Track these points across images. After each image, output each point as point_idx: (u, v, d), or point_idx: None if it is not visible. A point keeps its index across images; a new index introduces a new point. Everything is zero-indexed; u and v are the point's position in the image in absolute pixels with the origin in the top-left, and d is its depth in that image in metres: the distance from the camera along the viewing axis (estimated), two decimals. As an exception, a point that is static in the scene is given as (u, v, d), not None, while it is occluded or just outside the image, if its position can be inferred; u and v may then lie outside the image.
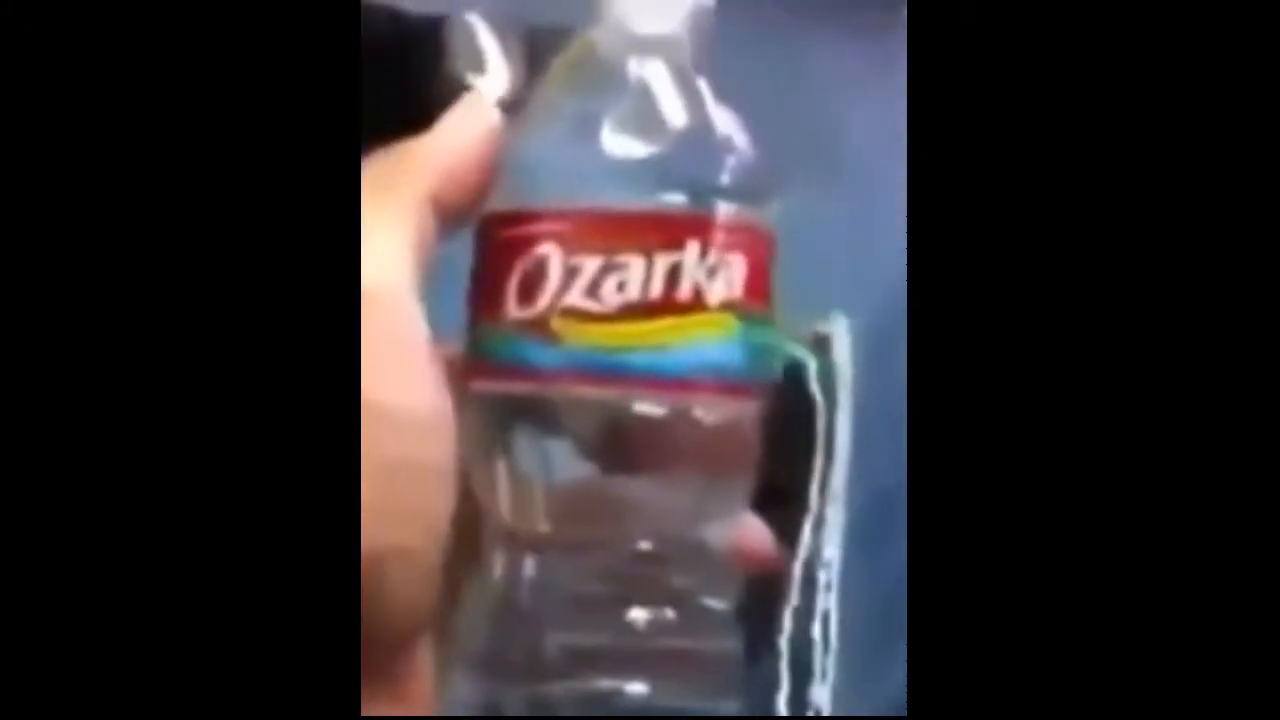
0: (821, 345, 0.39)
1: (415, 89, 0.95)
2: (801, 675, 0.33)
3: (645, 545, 0.29)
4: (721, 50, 1.00)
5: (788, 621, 0.34)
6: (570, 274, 0.29)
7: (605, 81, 0.32)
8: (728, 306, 0.30)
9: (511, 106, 0.33)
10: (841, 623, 0.33)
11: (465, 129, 0.32)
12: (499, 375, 0.29)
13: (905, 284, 0.36)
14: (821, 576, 0.34)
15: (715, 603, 0.29)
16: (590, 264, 0.29)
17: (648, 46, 0.32)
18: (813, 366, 0.38)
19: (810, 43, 1.10)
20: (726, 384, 0.30)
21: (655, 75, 0.32)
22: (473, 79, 0.96)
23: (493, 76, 0.97)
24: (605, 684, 0.28)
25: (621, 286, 0.29)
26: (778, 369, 0.31)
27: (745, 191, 0.32)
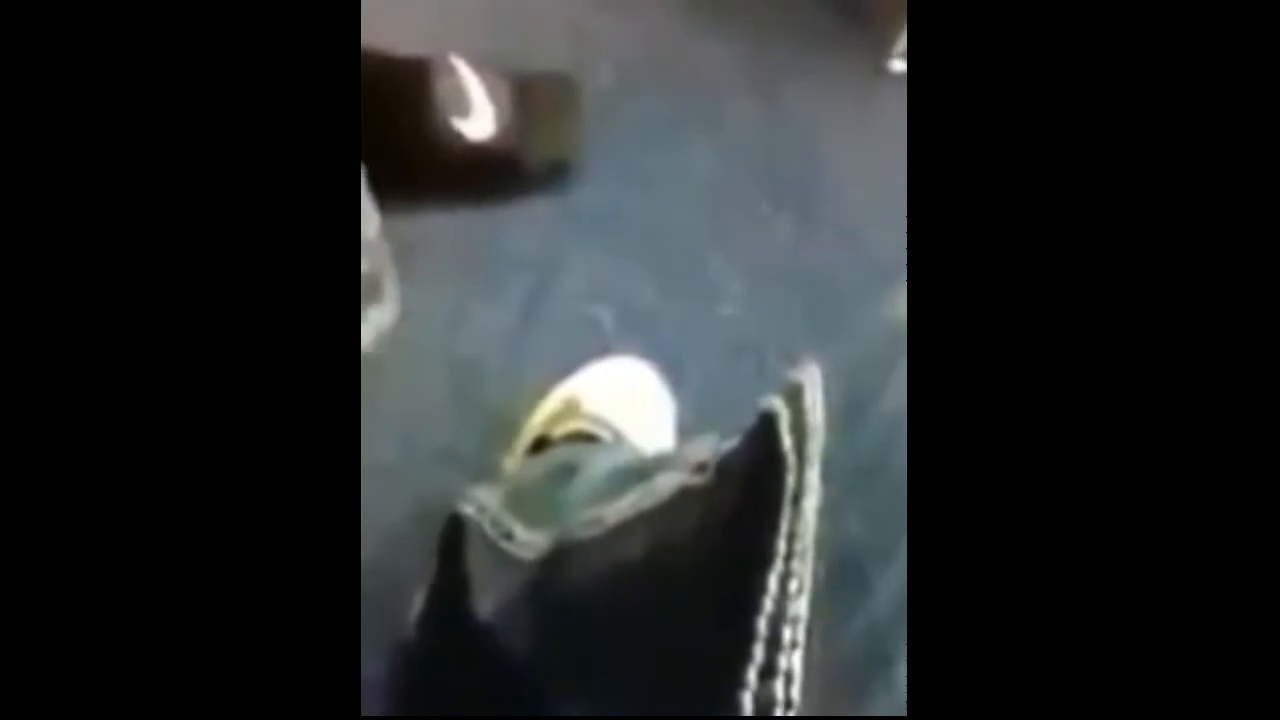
0: (794, 395, 0.39)
1: (401, 129, 0.96)
2: (765, 732, 0.33)
3: None
4: (716, 96, 1.01)
5: (751, 677, 0.33)
6: None
7: None
8: None
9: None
10: (806, 680, 0.33)
11: None
12: None
13: (881, 329, 0.36)
14: (787, 634, 0.33)
15: None
16: None
17: None
18: (785, 417, 0.38)
19: (798, 89, 1.11)
20: None
21: None
22: (457, 121, 0.97)
23: (478, 119, 0.98)
24: None
25: None
26: None
27: None
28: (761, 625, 0.33)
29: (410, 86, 0.91)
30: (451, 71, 0.93)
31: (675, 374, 0.88)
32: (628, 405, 0.83)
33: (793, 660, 0.32)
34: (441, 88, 0.92)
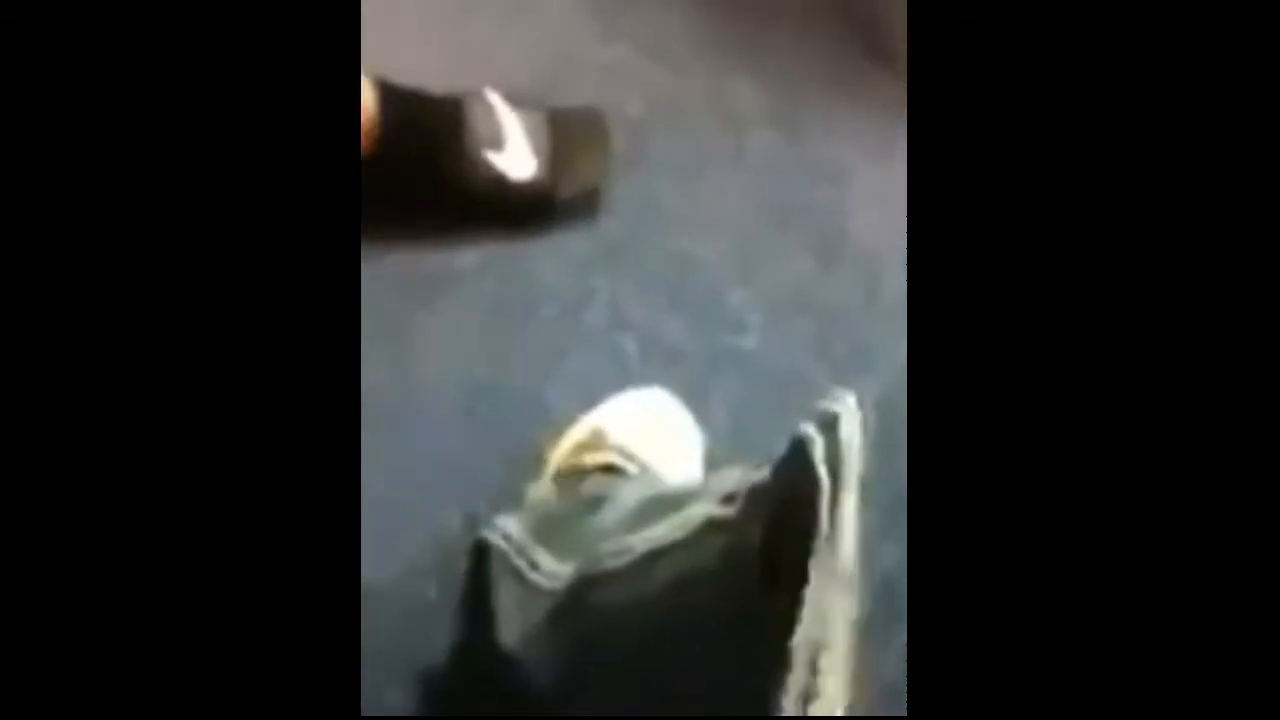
0: (828, 424, 0.39)
1: (436, 163, 0.97)
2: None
3: None
4: (741, 131, 1.02)
5: (786, 702, 0.33)
6: None
7: None
8: None
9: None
10: (842, 705, 0.33)
11: None
12: None
13: (906, 362, 0.36)
14: (824, 659, 0.34)
15: None
16: None
17: None
18: (819, 445, 0.39)
19: (822, 125, 1.12)
20: None
21: None
22: (492, 155, 0.98)
23: (512, 153, 0.99)
24: None
25: None
26: None
27: None
28: (797, 650, 0.33)
29: (447, 121, 0.93)
30: (487, 106, 0.95)
31: (700, 406, 0.89)
32: (654, 436, 0.83)
33: (828, 685, 0.33)
34: (477, 122, 0.93)
